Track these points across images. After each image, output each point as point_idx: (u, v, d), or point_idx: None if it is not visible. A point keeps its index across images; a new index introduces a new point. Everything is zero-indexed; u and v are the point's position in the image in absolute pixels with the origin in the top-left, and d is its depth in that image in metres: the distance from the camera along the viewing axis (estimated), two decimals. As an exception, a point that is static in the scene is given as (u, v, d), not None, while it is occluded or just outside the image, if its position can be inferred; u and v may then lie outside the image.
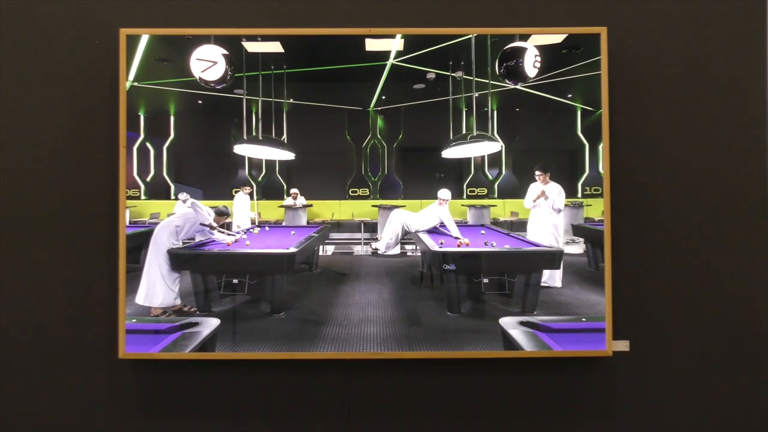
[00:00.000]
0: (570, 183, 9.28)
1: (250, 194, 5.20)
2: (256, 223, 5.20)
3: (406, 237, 5.64)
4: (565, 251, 3.41)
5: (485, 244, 3.19)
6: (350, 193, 8.98)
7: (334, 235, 7.02)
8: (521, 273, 2.83)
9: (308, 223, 6.20)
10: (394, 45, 2.66)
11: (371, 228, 6.74)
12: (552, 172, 3.86)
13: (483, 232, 3.97)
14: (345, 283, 3.86)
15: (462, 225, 4.92)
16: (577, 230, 4.32)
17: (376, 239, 4.49)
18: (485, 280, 2.74)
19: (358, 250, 5.81)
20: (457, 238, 3.71)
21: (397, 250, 5.40)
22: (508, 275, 2.84)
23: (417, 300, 3.34)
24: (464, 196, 9.49)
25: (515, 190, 9.60)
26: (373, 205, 6.40)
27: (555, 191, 3.85)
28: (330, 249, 5.92)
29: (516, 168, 9.49)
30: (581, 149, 8.11)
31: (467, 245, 3.27)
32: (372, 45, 2.63)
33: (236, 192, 5.18)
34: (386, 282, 3.96)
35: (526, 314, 2.76)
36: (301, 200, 6.69)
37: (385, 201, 7.89)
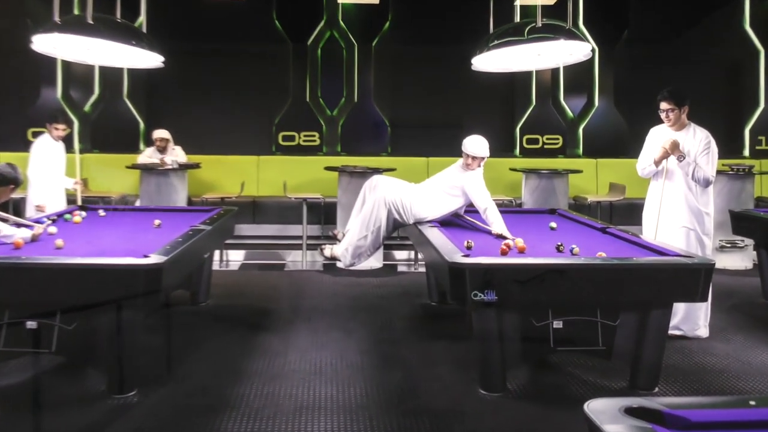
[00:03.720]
0: (729, 129, 9.49)
1: (65, 140, 5.13)
2: (79, 201, 4.98)
3: (398, 233, 5.74)
4: (718, 264, 3.58)
5: (557, 249, 2.97)
6: (280, 142, 9.08)
7: (244, 229, 7.04)
8: (629, 309, 2.68)
9: (189, 202, 6.17)
10: None
11: (325, 214, 6.83)
12: (693, 107, 3.74)
13: (554, 225, 3.89)
14: (269, 330, 3.73)
15: (509, 210, 4.98)
16: (741, 223, 4.39)
17: (335, 237, 4.20)
18: (557, 324, 2.63)
19: (297, 259, 5.88)
20: (499, 236, 3.57)
21: (376, 261, 5.48)
22: (603, 313, 2.71)
23: (420, 366, 3.19)
24: (517, 151, 9.83)
25: (618, 140, 9.90)
26: (327, 167, 6.50)
27: (698, 143, 3.68)
28: (237, 258, 5.90)
29: (622, 96, 9.79)
30: (751, 59, 8.30)
31: (520, 250, 3.02)
32: None
33: (39, 135, 5.10)
34: (355, 329, 3.85)
35: (638, 391, 2.66)
36: (176, 154, 6.58)
37: (354, 158, 8.01)
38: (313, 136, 7.00)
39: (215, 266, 4.79)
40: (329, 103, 7.22)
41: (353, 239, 3.71)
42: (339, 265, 4.67)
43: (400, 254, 5.76)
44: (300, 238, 5.48)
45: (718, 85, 7.45)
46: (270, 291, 4.48)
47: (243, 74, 7.07)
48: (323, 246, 3.91)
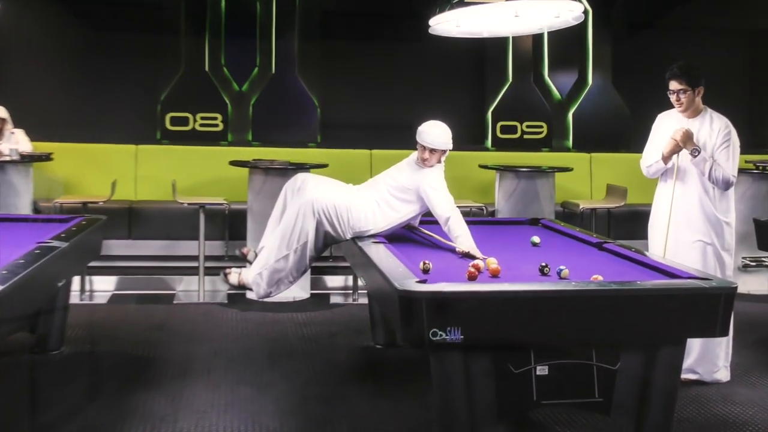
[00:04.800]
0: (753, 116, 9.96)
1: None
2: None
3: (330, 252, 5.68)
4: (740, 287, 3.54)
5: (541, 271, 3.03)
6: (167, 127, 9.00)
7: (116, 247, 6.81)
8: (632, 349, 2.75)
9: (36, 208, 5.94)
10: None
11: (231, 225, 6.72)
12: (710, 88, 3.90)
13: (536, 239, 3.93)
14: (151, 386, 3.66)
15: (479, 221, 5.15)
16: (767, 234, 4.67)
17: (245, 258, 4.19)
18: (541, 370, 2.68)
19: (191, 289, 5.72)
20: (466, 254, 3.60)
21: (301, 290, 5.43)
22: (600, 355, 2.75)
23: None
24: (488, 143, 10.10)
25: (618, 129, 10.26)
26: (234, 162, 6.43)
27: (716, 134, 3.84)
28: (105, 287, 5.72)
29: (622, 72, 10.16)
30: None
31: (493, 274, 3.05)
32: None
33: None
34: (272, 384, 3.81)
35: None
36: (15, 141, 6.32)
37: (270, 149, 7.97)
38: (215, 119, 6.93)
39: (74, 299, 4.66)
40: (237, 74, 7.18)
41: (270, 260, 3.66)
42: (250, 295, 4.57)
43: (334, 280, 5.74)
44: (195, 258, 5.42)
45: (738, 61, 7.94)
46: (153, 333, 4.40)
47: (115, 32, 6.95)
48: (228, 270, 3.83)
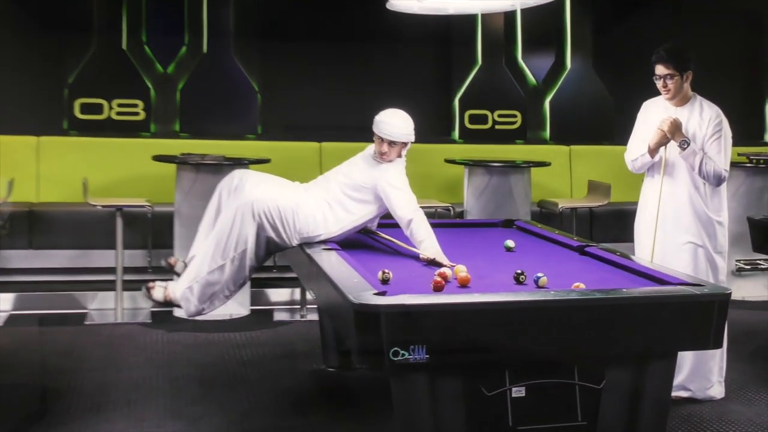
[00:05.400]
0: (747, 104, 10.16)
1: None
2: None
3: (274, 261, 5.56)
4: (734, 293, 3.48)
5: (517, 279, 3.10)
6: (77, 115, 8.85)
7: (14, 258, 6.66)
8: (618, 365, 2.83)
9: None
10: None
11: (154, 232, 6.64)
12: (699, 73, 4.01)
13: (510, 243, 4.04)
14: (58, 424, 3.60)
15: (446, 223, 5.11)
16: (765, 235, 4.70)
17: (172, 269, 4.15)
18: (517, 392, 2.72)
19: (107, 307, 5.54)
20: (430, 262, 3.63)
21: (240, 306, 5.40)
22: (583, 373, 2.81)
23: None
24: (455, 134, 10.22)
25: (601, 118, 10.46)
26: (158, 156, 6.36)
27: (706, 123, 3.98)
28: (1, 306, 5.56)
29: (604, 55, 10.34)
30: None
31: (462, 283, 3.10)
32: None
33: None
34: (206, 417, 3.83)
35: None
36: None
37: (202, 142, 7.92)
38: (134, 106, 6.87)
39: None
40: (161, 54, 7.14)
41: (202, 272, 3.64)
42: (179, 313, 4.59)
43: (278, 294, 5.75)
44: (112, 271, 5.36)
45: (733, 44, 8.20)
46: (60, 359, 4.34)
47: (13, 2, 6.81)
48: (152, 284, 3.80)
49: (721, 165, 3.66)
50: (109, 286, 5.45)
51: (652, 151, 3.72)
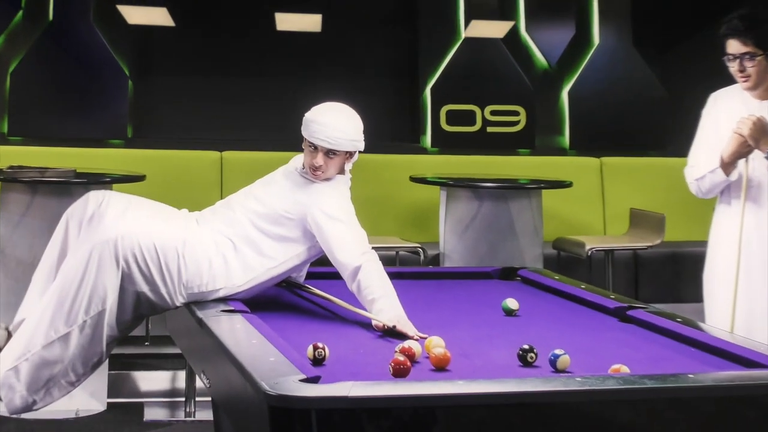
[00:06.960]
0: None
1: None
2: None
3: (146, 329, 5.60)
4: None
5: (523, 358, 3.13)
6: None
7: None
8: None
9: None
10: None
11: None
12: None
13: (512, 304, 4.09)
14: None
15: (413, 272, 5.22)
16: None
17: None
18: None
19: None
20: (389, 331, 3.69)
21: (90, 397, 5.38)
22: None
23: None
24: (426, 140, 10.46)
25: (646, 118, 10.65)
26: None
27: None
28: None
29: (648, 26, 10.65)
30: None
31: (437, 364, 3.12)
32: None
33: None
34: None
35: None
36: None
37: (42, 149, 8.00)
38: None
39: None
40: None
41: (34, 345, 3.65)
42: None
43: (152, 381, 5.82)
44: None
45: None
46: None
47: None
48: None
49: None
50: None
51: (727, 166, 3.76)
